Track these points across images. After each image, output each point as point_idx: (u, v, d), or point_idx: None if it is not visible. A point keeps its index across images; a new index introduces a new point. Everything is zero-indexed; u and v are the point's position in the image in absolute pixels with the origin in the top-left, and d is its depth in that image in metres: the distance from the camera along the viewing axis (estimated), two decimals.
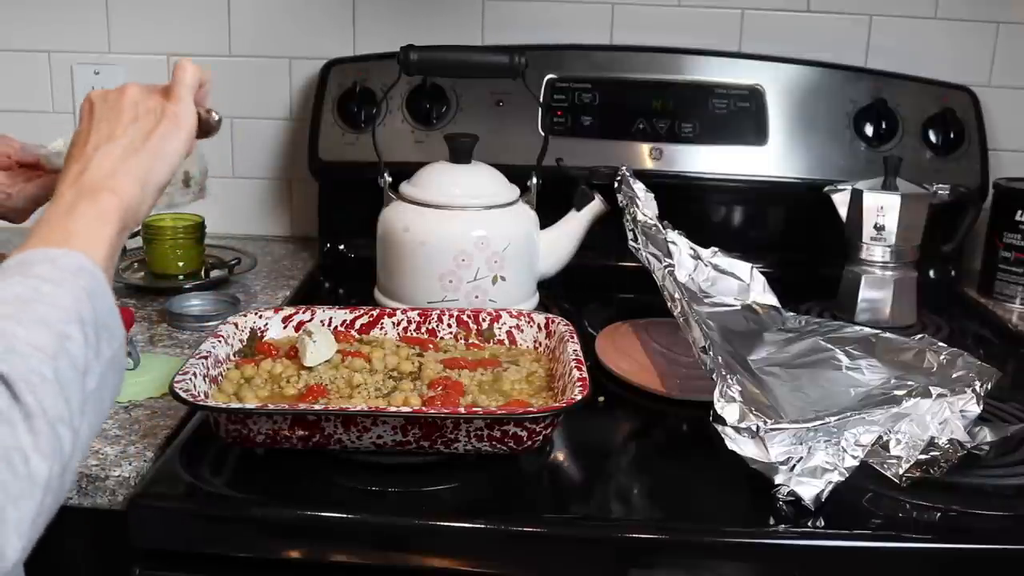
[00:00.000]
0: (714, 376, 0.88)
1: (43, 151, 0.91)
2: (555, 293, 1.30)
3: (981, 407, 0.88)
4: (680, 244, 1.12)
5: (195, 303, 1.22)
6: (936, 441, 0.85)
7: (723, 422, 0.83)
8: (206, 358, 0.92)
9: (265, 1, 1.54)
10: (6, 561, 0.49)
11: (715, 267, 1.14)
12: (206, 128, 0.81)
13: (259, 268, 1.44)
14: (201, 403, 0.84)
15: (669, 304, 1.01)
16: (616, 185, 1.15)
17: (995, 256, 1.41)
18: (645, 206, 1.12)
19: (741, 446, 0.82)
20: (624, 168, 1.16)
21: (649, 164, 1.42)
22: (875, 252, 1.26)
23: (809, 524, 0.80)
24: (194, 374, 0.88)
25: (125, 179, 0.70)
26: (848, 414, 0.84)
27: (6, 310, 0.56)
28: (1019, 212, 1.37)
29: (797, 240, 1.48)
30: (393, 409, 0.84)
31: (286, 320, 1.06)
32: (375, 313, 1.08)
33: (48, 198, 0.89)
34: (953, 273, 1.47)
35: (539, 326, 1.06)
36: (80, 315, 0.58)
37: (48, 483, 0.52)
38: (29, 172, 0.94)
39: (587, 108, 1.43)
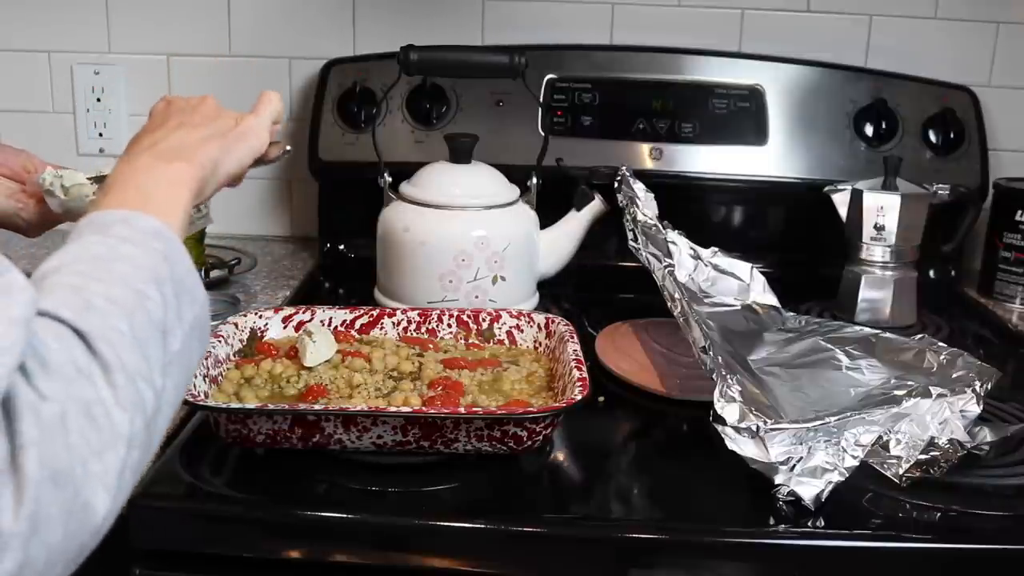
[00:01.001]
0: (714, 376, 0.88)
1: (43, 182, 0.91)
2: (555, 293, 1.30)
3: (981, 407, 0.88)
4: (680, 244, 1.12)
5: None
6: (936, 441, 0.85)
7: (723, 422, 0.83)
8: (206, 358, 0.92)
9: (265, 1, 1.54)
10: (96, 516, 0.49)
11: (715, 267, 1.14)
12: (268, 155, 0.85)
13: (259, 268, 1.44)
14: (201, 403, 0.84)
15: (669, 304, 1.01)
16: (616, 185, 1.15)
17: (995, 256, 1.41)
18: (645, 206, 1.12)
19: (741, 446, 0.82)
20: (624, 168, 1.16)
21: (649, 164, 1.42)
22: (875, 252, 1.26)
23: (809, 524, 0.80)
24: (194, 374, 0.88)
25: (201, 155, 0.73)
26: (848, 414, 0.84)
27: (84, 268, 0.56)
28: (1019, 212, 1.37)
29: (797, 240, 1.48)
30: (393, 409, 0.84)
31: (286, 320, 1.06)
32: (375, 313, 1.08)
33: (60, 221, 0.92)
34: (953, 273, 1.47)
35: (539, 326, 1.06)
36: (158, 276, 0.58)
37: (131, 436, 0.51)
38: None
39: (587, 108, 1.43)
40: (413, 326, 1.08)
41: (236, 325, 1.02)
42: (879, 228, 1.25)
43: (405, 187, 1.22)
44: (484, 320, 1.08)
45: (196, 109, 0.79)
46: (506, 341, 1.07)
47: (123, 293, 0.55)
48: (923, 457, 0.84)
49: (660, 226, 1.11)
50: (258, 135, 0.82)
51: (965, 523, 0.82)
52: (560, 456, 0.93)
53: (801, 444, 0.83)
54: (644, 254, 1.08)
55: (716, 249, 1.14)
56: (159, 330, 0.56)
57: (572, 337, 1.00)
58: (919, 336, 1.09)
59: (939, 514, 0.83)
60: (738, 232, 1.50)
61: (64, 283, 0.54)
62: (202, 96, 0.81)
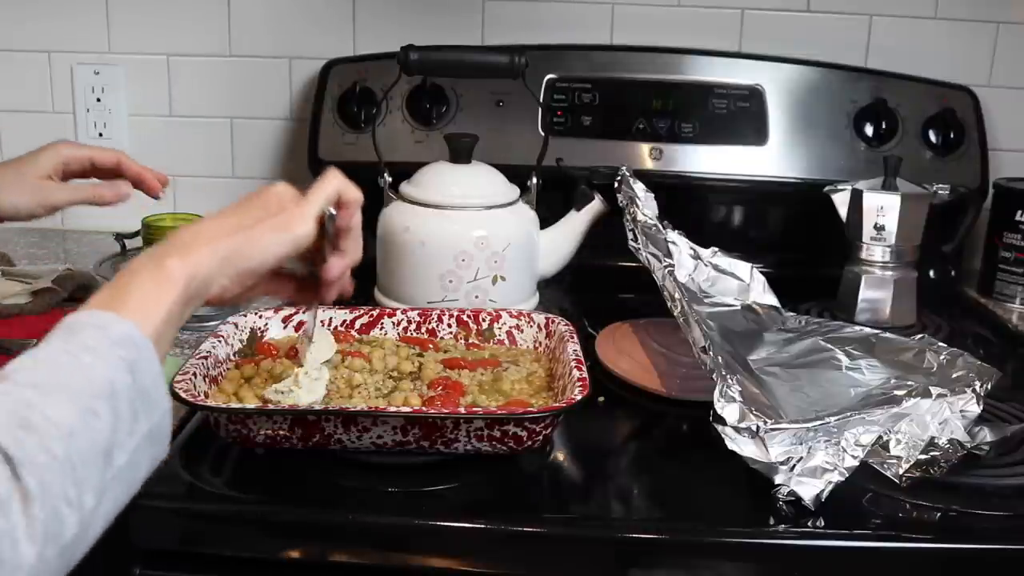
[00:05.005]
0: (714, 376, 0.87)
1: None
2: (555, 293, 1.30)
3: (981, 407, 0.88)
4: (680, 244, 1.12)
5: None
6: (936, 441, 0.85)
7: (723, 422, 0.83)
8: (206, 358, 0.92)
9: (265, 1, 1.54)
10: None
11: (715, 267, 1.14)
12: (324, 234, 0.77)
13: None
14: (201, 403, 0.84)
15: (669, 304, 1.01)
16: (616, 185, 1.15)
17: (995, 256, 1.41)
18: (645, 206, 1.12)
19: (741, 446, 0.82)
20: (624, 168, 1.16)
21: (649, 164, 1.42)
22: (875, 252, 1.26)
23: (809, 524, 0.80)
24: (194, 374, 0.88)
25: (203, 249, 0.68)
26: (848, 414, 0.84)
27: (37, 377, 0.56)
28: (1019, 212, 1.37)
29: (797, 240, 1.48)
30: (393, 409, 0.84)
31: (286, 320, 1.05)
32: (375, 313, 1.08)
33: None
34: (953, 273, 1.47)
35: (539, 326, 1.06)
36: (113, 389, 0.57)
37: (36, 567, 0.51)
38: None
39: (587, 108, 1.43)
40: (413, 326, 1.08)
41: (236, 325, 1.02)
42: (879, 228, 1.25)
43: (405, 187, 1.22)
44: (484, 320, 1.08)
45: (250, 198, 0.75)
46: (506, 341, 1.07)
47: (68, 412, 0.54)
48: (923, 457, 0.84)
49: (660, 226, 1.11)
50: (291, 226, 0.74)
51: (965, 523, 0.82)
52: (560, 456, 0.93)
53: (801, 444, 0.83)
54: (644, 254, 1.08)
55: (716, 249, 1.14)
56: (101, 451, 0.56)
57: (572, 337, 1.00)
58: (919, 336, 1.09)
59: (939, 514, 0.83)
60: (738, 232, 1.50)
61: (12, 396, 0.54)
62: (273, 184, 0.77)
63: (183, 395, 0.83)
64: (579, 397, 0.85)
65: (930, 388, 0.88)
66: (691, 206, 1.45)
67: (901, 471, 0.84)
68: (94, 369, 0.57)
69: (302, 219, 0.74)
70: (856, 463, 0.83)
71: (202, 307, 1.23)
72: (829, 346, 1.08)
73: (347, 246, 0.80)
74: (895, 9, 1.50)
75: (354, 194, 0.79)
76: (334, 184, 0.78)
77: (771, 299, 1.16)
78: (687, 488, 0.88)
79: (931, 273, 1.44)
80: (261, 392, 0.92)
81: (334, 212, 0.77)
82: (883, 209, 1.24)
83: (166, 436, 0.63)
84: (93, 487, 0.55)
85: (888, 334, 1.10)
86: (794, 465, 0.82)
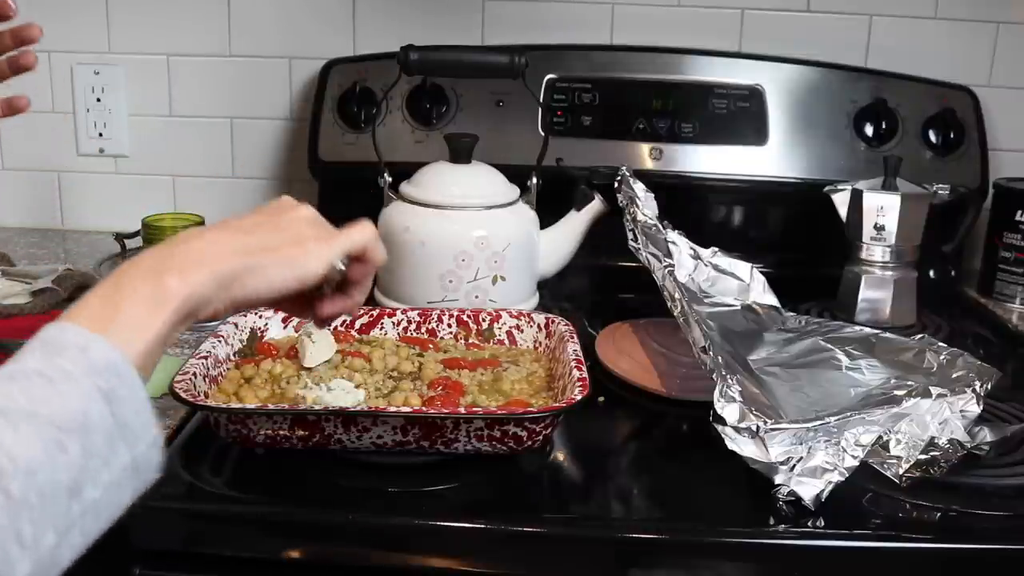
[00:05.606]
0: (714, 376, 0.88)
1: None
2: (555, 293, 1.30)
3: (981, 407, 0.88)
4: (680, 244, 1.12)
5: None
6: (936, 441, 0.85)
7: (723, 422, 0.83)
8: (206, 358, 0.92)
9: (265, 1, 1.54)
10: None
11: (715, 267, 1.14)
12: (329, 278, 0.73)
13: None
14: (201, 403, 0.84)
15: (669, 304, 1.01)
16: (616, 185, 1.15)
17: (995, 256, 1.41)
18: (645, 206, 1.12)
19: (741, 446, 0.82)
20: (624, 168, 1.16)
21: (649, 164, 1.42)
22: (875, 252, 1.26)
23: (809, 524, 0.80)
24: (194, 374, 0.88)
25: (202, 272, 0.63)
26: (848, 414, 0.84)
27: (6, 403, 0.52)
28: (1019, 212, 1.37)
29: (797, 240, 1.47)
30: (393, 409, 0.84)
31: (286, 320, 1.06)
32: (375, 313, 1.08)
33: None
34: (953, 273, 1.47)
35: (539, 326, 1.06)
36: (87, 422, 0.53)
37: None
38: None
39: (587, 108, 1.43)
40: (413, 326, 1.08)
41: (236, 325, 1.02)
42: (879, 228, 1.25)
43: (405, 187, 1.22)
44: (484, 320, 1.08)
45: (270, 215, 0.71)
46: (506, 341, 1.07)
47: (31, 446, 0.50)
48: (923, 457, 0.84)
49: (660, 226, 1.11)
50: (305, 262, 0.69)
51: (965, 523, 0.82)
52: (560, 456, 0.93)
53: (801, 444, 0.83)
54: (644, 254, 1.08)
55: (716, 249, 1.14)
56: (65, 488, 0.52)
57: (572, 337, 1.00)
58: (919, 336, 1.09)
59: (939, 514, 0.83)
60: (738, 232, 1.50)
61: None
62: (302, 204, 0.73)
63: (183, 395, 0.83)
64: (579, 397, 0.85)
65: (930, 388, 0.88)
66: (691, 206, 1.45)
67: (901, 471, 0.84)
68: (67, 397, 0.53)
69: (317, 259, 0.70)
70: (856, 463, 0.83)
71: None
72: (829, 346, 1.09)
73: (352, 293, 0.77)
74: (895, 9, 1.50)
75: (380, 254, 0.76)
76: (365, 236, 0.75)
77: (771, 299, 1.16)
78: (687, 488, 0.89)
79: (931, 273, 1.44)
80: (262, 392, 0.92)
81: (344, 267, 0.74)
82: (883, 209, 1.24)
83: (154, 466, 0.58)
84: (54, 525, 0.51)
85: (888, 334, 1.10)
86: (794, 465, 0.82)
